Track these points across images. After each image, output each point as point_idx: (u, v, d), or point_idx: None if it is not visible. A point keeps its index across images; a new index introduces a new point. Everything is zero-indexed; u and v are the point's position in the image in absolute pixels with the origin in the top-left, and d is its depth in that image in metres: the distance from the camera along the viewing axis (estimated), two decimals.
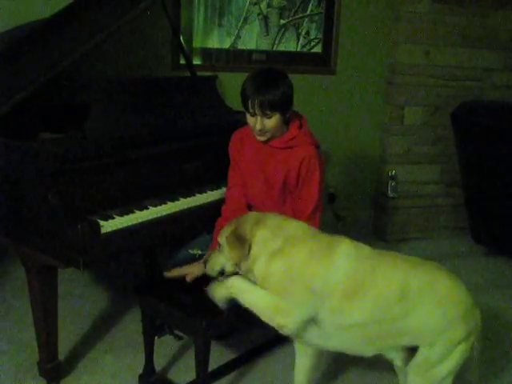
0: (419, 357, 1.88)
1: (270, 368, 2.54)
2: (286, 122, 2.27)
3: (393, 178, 4.09)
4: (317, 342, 1.96)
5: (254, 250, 1.90)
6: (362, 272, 1.85)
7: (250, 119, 2.21)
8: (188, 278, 2.21)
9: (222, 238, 1.98)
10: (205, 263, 2.04)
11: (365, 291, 1.83)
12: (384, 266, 1.88)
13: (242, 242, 1.91)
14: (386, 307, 1.83)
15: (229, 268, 1.97)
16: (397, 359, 2.02)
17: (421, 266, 1.91)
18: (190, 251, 2.33)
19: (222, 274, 1.98)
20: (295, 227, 1.95)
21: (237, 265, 1.94)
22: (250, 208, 2.33)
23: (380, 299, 1.83)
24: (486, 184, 3.69)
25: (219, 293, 1.93)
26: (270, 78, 2.17)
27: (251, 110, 2.16)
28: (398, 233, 4.19)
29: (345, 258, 1.85)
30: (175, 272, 2.23)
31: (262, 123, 2.17)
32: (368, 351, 1.95)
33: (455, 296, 1.87)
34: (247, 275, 1.94)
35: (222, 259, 1.98)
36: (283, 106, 2.16)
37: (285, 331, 1.86)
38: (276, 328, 1.86)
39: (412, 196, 4.19)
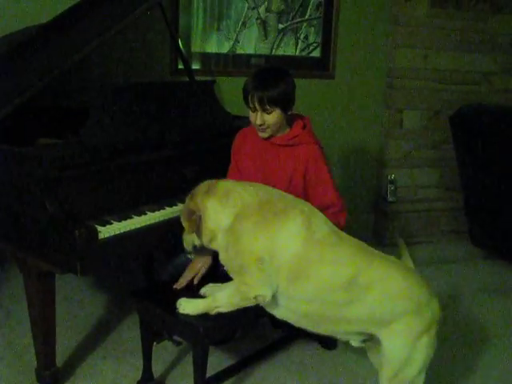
0: (384, 362, 1.88)
1: (269, 374, 2.52)
2: (288, 122, 2.31)
3: (392, 182, 4.09)
4: (270, 310, 1.98)
5: (207, 223, 1.94)
6: (308, 257, 1.85)
7: (251, 115, 2.26)
8: (195, 281, 2.20)
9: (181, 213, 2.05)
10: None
11: (308, 276, 1.84)
12: (334, 255, 1.88)
13: (190, 215, 1.95)
14: (328, 293, 1.84)
15: (197, 242, 2.03)
16: (353, 342, 2.02)
17: (376, 261, 1.89)
18: (188, 256, 2.32)
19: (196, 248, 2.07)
20: (245, 197, 1.94)
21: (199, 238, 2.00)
22: None
23: (323, 286, 1.85)
24: (485, 188, 3.69)
25: (193, 309, 2.00)
26: (271, 75, 2.24)
27: (251, 105, 2.22)
28: (397, 237, 4.17)
29: (291, 239, 1.86)
30: (183, 281, 2.22)
31: (261, 118, 2.22)
32: (318, 330, 1.98)
33: (405, 292, 1.86)
34: (210, 246, 1.99)
35: (188, 235, 2.03)
36: (283, 102, 2.20)
37: (266, 300, 1.89)
38: (259, 303, 1.90)
39: (411, 200, 4.18)
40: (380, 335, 1.88)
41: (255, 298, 1.89)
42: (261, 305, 1.93)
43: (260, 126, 2.24)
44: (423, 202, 4.21)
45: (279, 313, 1.98)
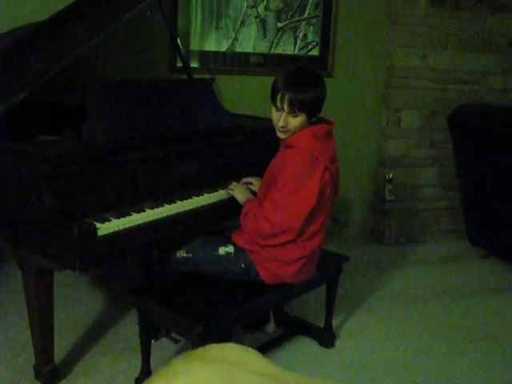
0: None
1: None
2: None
3: (390, 181, 4.09)
4: None
5: None
6: None
7: (274, 114, 2.18)
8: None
9: None
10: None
11: None
12: None
13: None
14: None
15: None
16: None
17: None
18: (185, 254, 2.33)
19: None
20: None
21: None
22: None
23: None
24: (483, 187, 3.69)
25: None
26: (306, 77, 2.14)
27: (279, 105, 2.13)
28: (395, 236, 4.19)
29: None
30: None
31: (285, 121, 2.14)
32: None
33: None
34: None
35: None
36: (311, 108, 2.12)
37: None
38: None
39: (409, 199, 4.19)
40: None
41: None
42: None
43: (282, 127, 2.16)
44: (421, 201, 4.22)
45: None
